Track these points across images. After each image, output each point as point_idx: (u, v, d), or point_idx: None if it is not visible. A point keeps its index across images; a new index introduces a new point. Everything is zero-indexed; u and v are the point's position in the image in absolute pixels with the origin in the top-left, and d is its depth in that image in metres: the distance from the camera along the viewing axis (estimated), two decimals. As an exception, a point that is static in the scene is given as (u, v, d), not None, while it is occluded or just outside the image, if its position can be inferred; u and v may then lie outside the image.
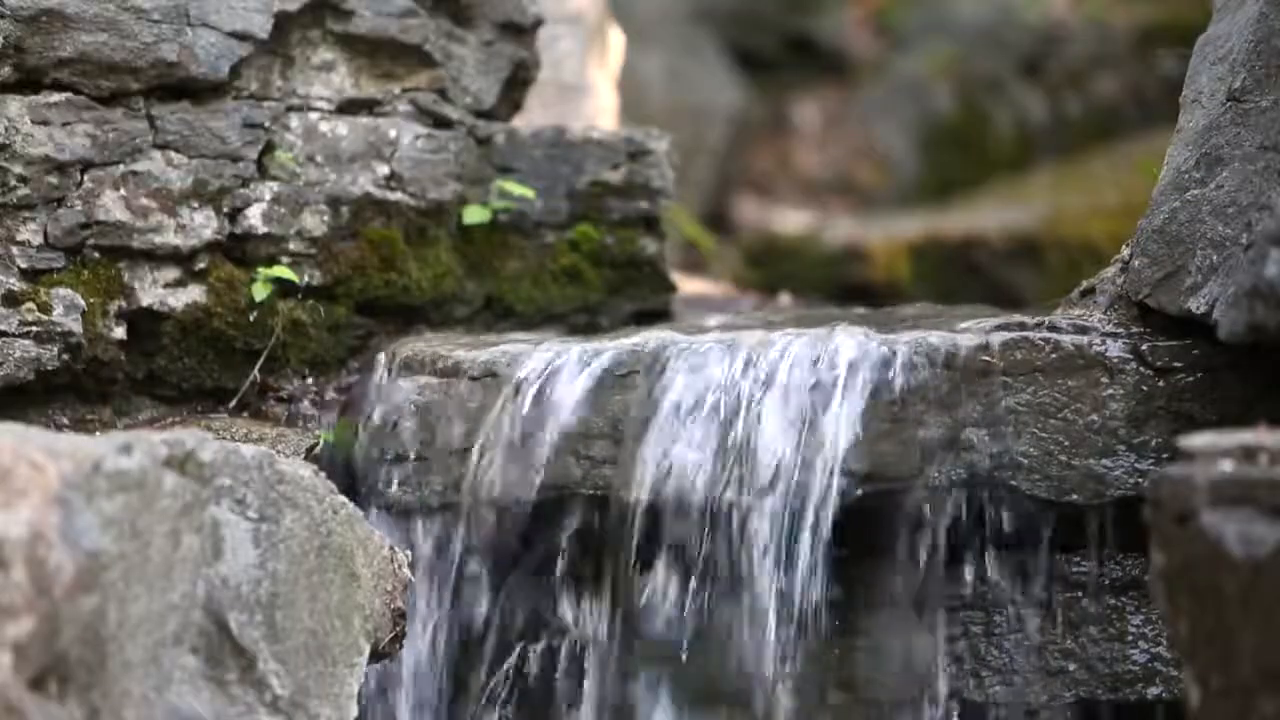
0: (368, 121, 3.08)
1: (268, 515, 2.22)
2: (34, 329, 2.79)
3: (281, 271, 2.96)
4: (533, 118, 3.43)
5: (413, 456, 2.79)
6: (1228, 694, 1.90)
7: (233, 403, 2.97)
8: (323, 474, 2.33)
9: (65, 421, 2.88)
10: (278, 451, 2.43)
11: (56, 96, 2.83)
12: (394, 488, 2.79)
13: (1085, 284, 2.87)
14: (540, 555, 2.74)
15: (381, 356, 2.93)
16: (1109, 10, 6.72)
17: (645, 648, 2.68)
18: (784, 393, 2.63)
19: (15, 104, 2.81)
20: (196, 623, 2.14)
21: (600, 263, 3.21)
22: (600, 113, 4.27)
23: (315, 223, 3.01)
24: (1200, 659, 1.93)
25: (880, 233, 5.56)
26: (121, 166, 2.87)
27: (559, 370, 2.72)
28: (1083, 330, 2.68)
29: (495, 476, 2.71)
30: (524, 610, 2.75)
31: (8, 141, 2.79)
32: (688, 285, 3.76)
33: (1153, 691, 2.62)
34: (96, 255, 2.86)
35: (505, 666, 2.75)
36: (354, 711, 2.29)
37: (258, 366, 2.97)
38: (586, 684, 2.71)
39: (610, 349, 2.74)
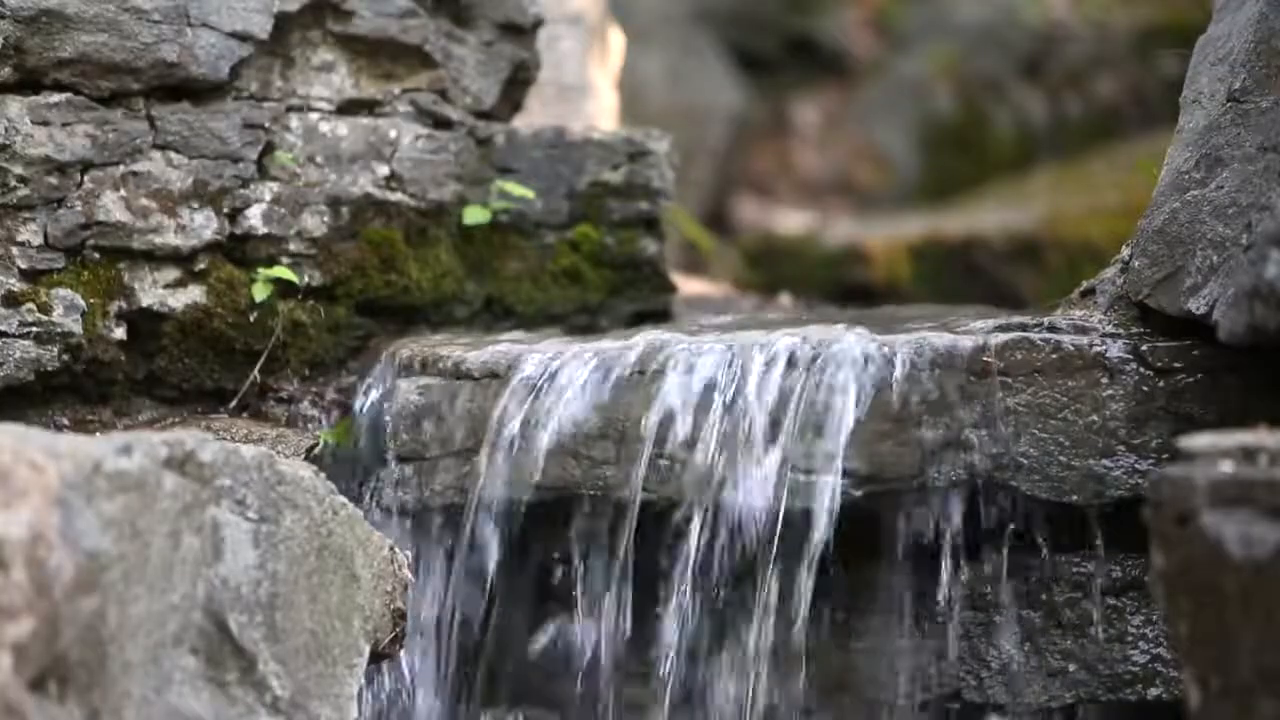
0: (368, 122, 3.08)
1: (268, 516, 2.22)
2: (34, 329, 2.79)
3: (281, 272, 2.96)
4: (533, 118, 3.43)
5: (413, 457, 2.79)
6: (1227, 694, 1.90)
7: (233, 403, 2.97)
8: (323, 474, 2.33)
9: (65, 422, 2.88)
10: (278, 452, 2.43)
11: (56, 97, 2.83)
12: (394, 488, 2.79)
13: (1085, 284, 2.87)
14: (541, 556, 2.74)
15: (382, 357, 2.93)
16: (1109, 10, 6.72)
17: (645, 650, 2.68)
18: (783, 394, 2.63)
19: (15, 104, 2.81)
20: (196, 624, 2.14)
21: (600, 263, 3.21)
22: (600, 113, 4.26)
23: (315, 223, 3.01)
24: (1200, 659, 1.93)
25: (880, 233, 5.55)
26: (121, 167, 2.87)
27: (559, 371, 2.72)
28: (1083, 331, 2.68)
29: (496, 477, 2.71)
30: (526, 611, 2.75)
31: (8, 142, 2.79)
32: (688, 286, 3.76)
33: (1153, 692, 2.62)
34: (96, 256, 2.86)
35: (507, 669, 2.75)
36: (354, 712, 2.29)
37: (258, 367, 2.97)
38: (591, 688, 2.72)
39: (609, 349, 2.74)
